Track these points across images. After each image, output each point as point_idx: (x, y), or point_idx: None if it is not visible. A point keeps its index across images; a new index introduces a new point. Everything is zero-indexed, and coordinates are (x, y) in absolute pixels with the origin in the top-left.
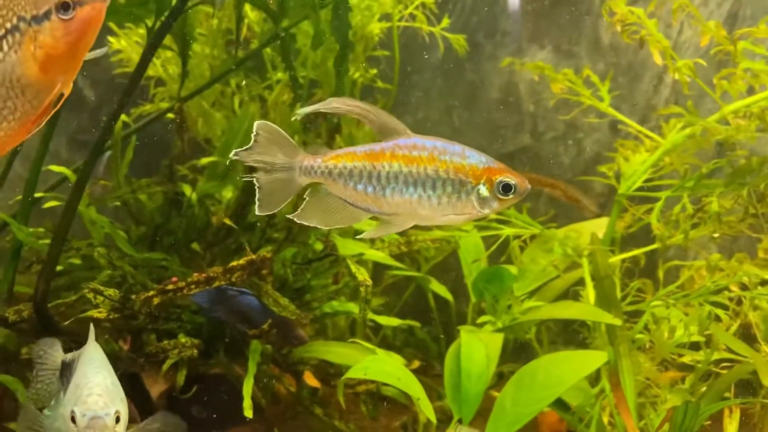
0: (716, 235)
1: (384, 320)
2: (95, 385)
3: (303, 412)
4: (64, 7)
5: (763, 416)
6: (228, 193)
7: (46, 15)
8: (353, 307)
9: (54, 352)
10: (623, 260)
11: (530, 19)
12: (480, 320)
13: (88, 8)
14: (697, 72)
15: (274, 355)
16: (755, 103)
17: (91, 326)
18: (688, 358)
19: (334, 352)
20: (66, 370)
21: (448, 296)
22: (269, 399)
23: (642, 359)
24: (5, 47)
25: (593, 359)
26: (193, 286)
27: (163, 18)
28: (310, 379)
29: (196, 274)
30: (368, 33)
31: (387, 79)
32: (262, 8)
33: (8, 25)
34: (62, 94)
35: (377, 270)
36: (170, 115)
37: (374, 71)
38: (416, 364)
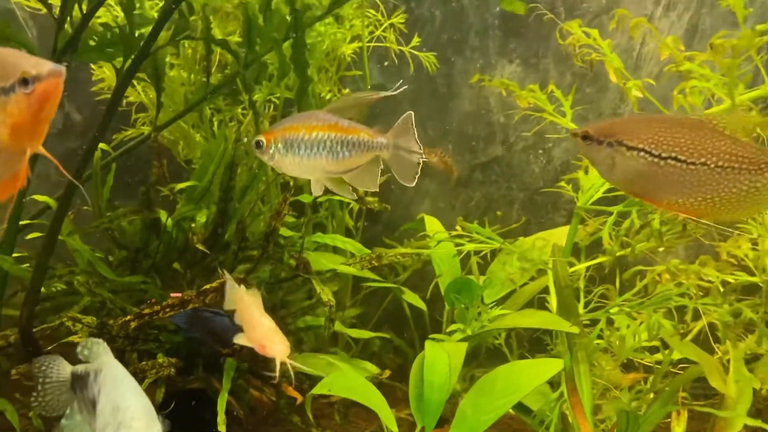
0: (661, 249)
1: (355, 333)
2: (137, 409)
3: (283, 420)
4: (24, 83)
5: (713, 419)
6: (202, 218)
7: (12, 88)
8: (322, 322)
9: (57, 366)
10: (588, 267)
11: (499, 35)
12: (450, 328)
13: (45, 83)
14: (661, 82)
15: (252, 369)
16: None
17: (104, 344)
18: (653, 359)
19: (309, 363)
20: (78, 382)
21: (422, 305)
22: (246, 410)
23: (605, 362)
24: None
25: (549, 367)
26: (168, 309)
27: (132, 57)
28: (289, 390)
29: (171, 296)
30: (340, 55)
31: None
32: (225, 49)
33: None
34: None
35: (356, 280)
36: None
37: (346, 90)
38: (387, 373)
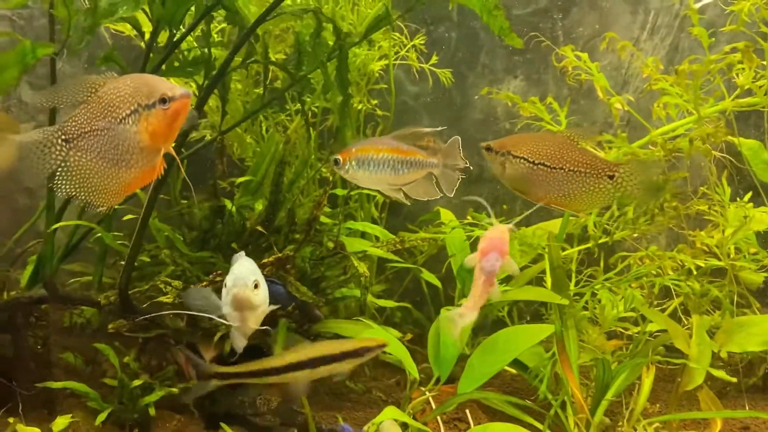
0: (635, 235)
1: (382, 302)
2: (239, 266)
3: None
4: (162, 101)
5: (679, 377)
6: (259, 206)
7: (154, 104)
8: (358, 292)
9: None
10: (579, 251)
11: (505, 54)
12: (461, 302)
13: (177, 102)
14: (644, 96)
15: (298, 330)
16: (676, 128)
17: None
18: (635, 330)
19: (343, 327)
20: None
21: (437, 283)
22: None
23: (592, 331)
24: (130, 122)
25: (542, 331)
26: None
27: (211, 75)
28: None
29: None
30: (369, 71)
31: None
32: (282, 69)
33: (133, 107)
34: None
35: (381, 262)
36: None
37: (375, 101)
38: (409, 336)
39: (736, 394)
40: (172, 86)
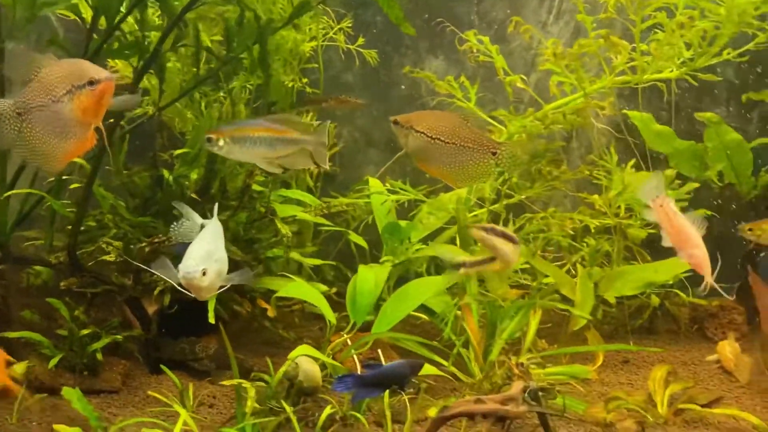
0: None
1: (309, 260)
2: (192, 251)
3: (258, 327)
4: (91, 83)
5: (569, 320)
6: (194, 175)
7: (84, 86)
8: (294, 254)
9: (194, 217)
10: (489, 212)
11: (428, 36)
12: (382, 259)
13: (104, 84)
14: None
15: (237, 287)
16: (565, 104)
17: (216, 206)
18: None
19: (276, 283)
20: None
21: (364, 244)
22: (230, 315)
23: (496, 281)
24: (66, 100)
25: (447, 280)
26: (171, 239)
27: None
28: (262, 303)
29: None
30: (300, 52)
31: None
32: (208, 52)
33: (67, 88)
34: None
35: (317, 228)
36: None
37: (306, 80)
38: (334, 290)
39: (624, 334)
40: (99, 70)
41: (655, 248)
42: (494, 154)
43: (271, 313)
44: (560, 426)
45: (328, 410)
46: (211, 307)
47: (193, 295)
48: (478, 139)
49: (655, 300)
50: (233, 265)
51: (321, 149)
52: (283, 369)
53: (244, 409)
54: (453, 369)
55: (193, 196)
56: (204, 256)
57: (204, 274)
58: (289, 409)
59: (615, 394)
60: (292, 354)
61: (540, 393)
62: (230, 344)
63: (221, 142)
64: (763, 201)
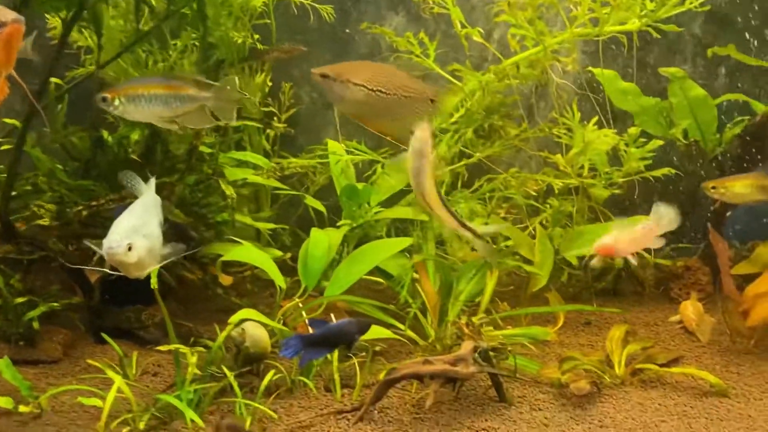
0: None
1: (262, 225)
2: (117, 225)
3: (212, 294)
4: None
5: (528, 279)
6: (135, 135)
7: None
8: (242, 218)
9: (137, 184)
10: (450, 174)
11: None
12: (339, 223)
13: (10, 27)
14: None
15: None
16: (523, 58)
17: (153, 179)
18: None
19: (224, 248)
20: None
21: (322, 208)
22: (177, 281)
23: (456, 244)
24: None
25: (401, 243)
26: (110, 202)
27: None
28: (213, 270)
29: (113, 195)
30: (252, 8)
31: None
32: (144, 4)
33: None
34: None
35: (275, 191)
36: None
37: (257, 36)
38: (288, 255)
39: (588, 297)
40: (6, 13)
41: (619, 208)
42: (432, 102)
43: (225, 280)
44: (513, 387)
45: (270, 375)
46: (153, 272)
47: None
48: (417, 87)
49: (619, 261)
50: (180, 233)
51: (225, 105)
52: (224, 333)
53: (184, 376)
54: (410, 333)
55: (134, 157)
56: (130, 230)
57: (130, 249)
58: (229, 374)
59: (570, 355)
60: (233, 318)
61: (491, 353)
62: (182, 312)
63: (116, 102)
64: (727, 158)
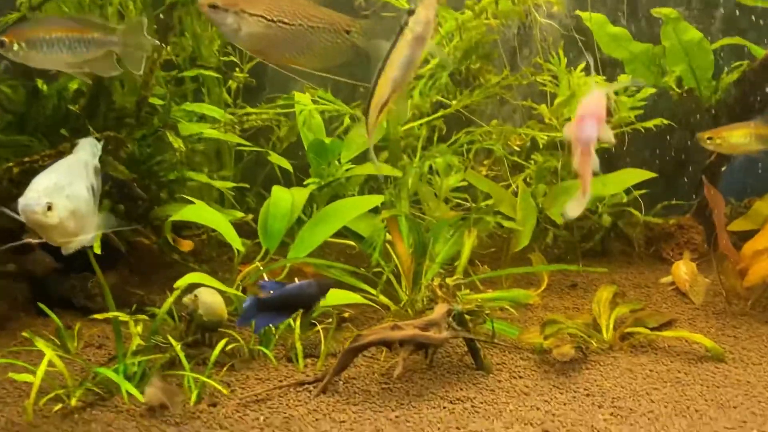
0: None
1: (219, 183)
2: (36, 182)
3: (171, 261)
4: None
5: (510, 241)
6: (74, 85)
7: None
8: (197, 176)
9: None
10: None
11: None
12: (306, 181)
13: None
14: None
15: (133, 214)
16: None
17: (88, 138)
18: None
19: (175, 208)
20: None
21: (288, 166)
22: (128, 247)
23: (433, 203)
24: None
25: (371, 200)
26: (46, 158)
27: None
28: (170, 234)
29: (48, 151)
30: None
31: None
32: None
33: None
34: None
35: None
36: None
37: None
38: (249, 217)
39: (575, 258)
40: None
41: (608, 162)
42: (348, 33)
43: (184, 246)
44: (492, 354)
45: (222, 345)
46: (96, 235)
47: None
48: (328, 17)
49: (607, 220)
50: (125, 192)
51: (132, 51)
52: (170, 300)
53: (125, 348)
54: (382, 298)
55: (73, 108)
56: (51, 189)
57: (50, 209)
58: (176, 344)
59: (553, 318)
60: (179, 282)
61: (467, 317)
62: (137, 280)
63: (15, 47)
64: (724, 107)
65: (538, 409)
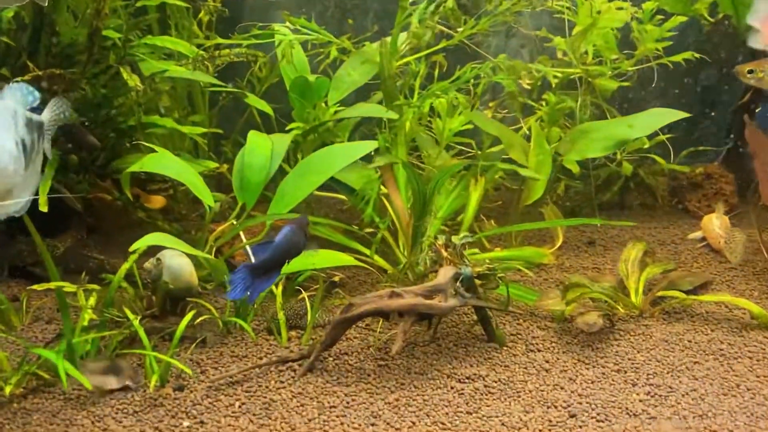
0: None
1: (187, 129)
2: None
3: (139, 220)
4: None
5: (520, 193)
6: (9, 13)
7: None
8: (160, 120)
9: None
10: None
11: None
12: (289, 126)
13: None
14: None
15: (90, 166)
16: None
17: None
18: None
19: (133, 159)
20: None
21: (268, 110)
22: (85, 205)
23: (433, 151)
24: None
25: (362, 147)
26: None
27: None
28: (133, 190)
29: None
30: None
31: None
32: None
33: None
34: None
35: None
36: None
37: None
38: (224, 167)
39: (591, 211)
40: None
41: (631, 104)
42: None
43: (154, 202)
44: (505, 322)
45: (188, 318)
46: (43, 191)
47: None
48: None
49: (627, 168)
50: (74, 138)
51: None
52: (126, 265)
53: (72, 324)
54: (377, 259)
55: (5, 39)
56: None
57: None
58: (132, 317)
59: (576, 281)
60: (136, 244)
61: (476, 281)
62: (99, 243)
63: None
64: None
65: (561, 388)
